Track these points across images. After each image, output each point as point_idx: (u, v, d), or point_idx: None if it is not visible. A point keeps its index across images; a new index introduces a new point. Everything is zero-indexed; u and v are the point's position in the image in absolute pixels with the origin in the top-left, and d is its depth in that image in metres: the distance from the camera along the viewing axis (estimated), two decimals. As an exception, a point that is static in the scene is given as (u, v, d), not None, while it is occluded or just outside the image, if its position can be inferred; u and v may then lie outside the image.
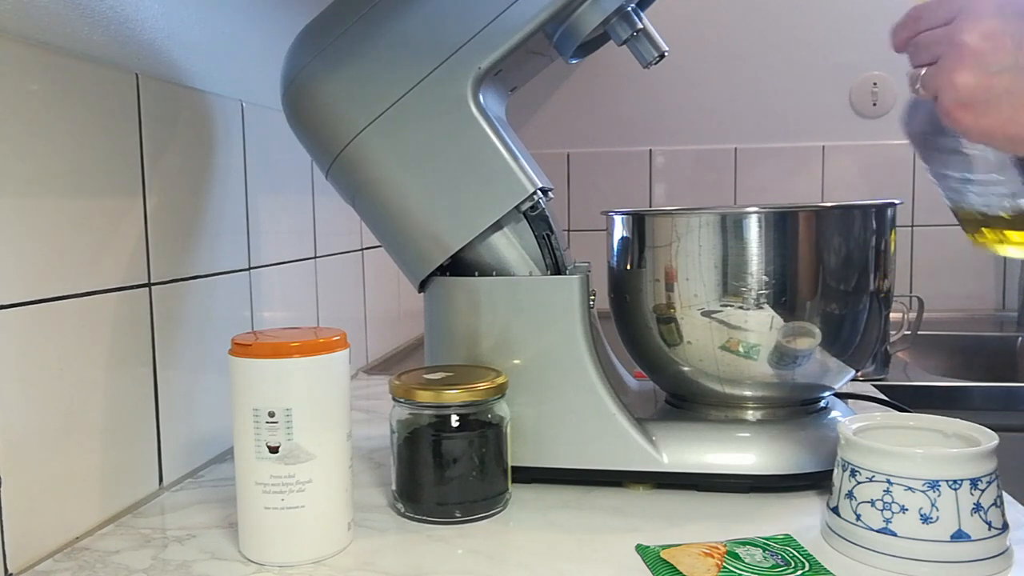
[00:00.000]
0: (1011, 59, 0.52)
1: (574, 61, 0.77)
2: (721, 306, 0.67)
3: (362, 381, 1.18)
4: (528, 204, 0.68)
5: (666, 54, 0.72)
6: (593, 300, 0.71)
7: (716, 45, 1.87)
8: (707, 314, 0.68)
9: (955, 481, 0.52)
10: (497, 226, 0.69)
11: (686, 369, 0.71)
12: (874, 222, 0.69)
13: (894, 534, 0.53)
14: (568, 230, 1.94)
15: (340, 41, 0.69)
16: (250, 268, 0.89)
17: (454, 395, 0.63)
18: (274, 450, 0.55)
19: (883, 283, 0.70)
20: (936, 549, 0.52)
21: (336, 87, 0.69)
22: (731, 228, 0.67)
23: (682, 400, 0.76)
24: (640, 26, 0.71)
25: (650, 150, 1.92)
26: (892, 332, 0.88)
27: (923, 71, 0.56)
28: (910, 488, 0.53)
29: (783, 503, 0.66)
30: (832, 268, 0.67)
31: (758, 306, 0.66)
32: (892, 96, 1.82)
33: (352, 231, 1.23)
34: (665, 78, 1.88)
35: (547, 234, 0.70)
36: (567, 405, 0.69)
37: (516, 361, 0.69)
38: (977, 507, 0.52)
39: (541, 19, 0.66)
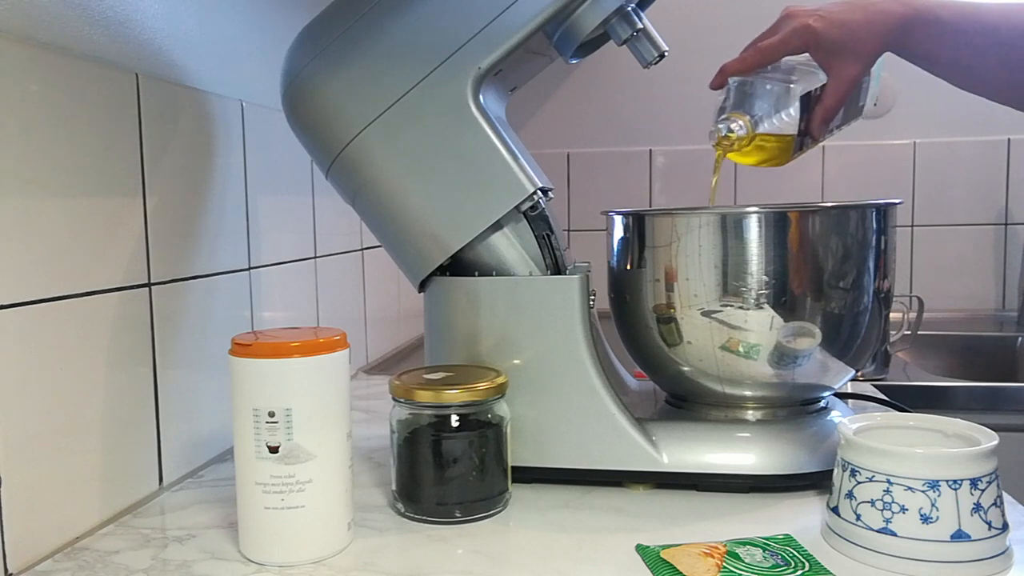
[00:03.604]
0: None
1: (574, 61, 0.77)
2: (721, 306, 0.67)
3: (362, 381, 1.18)
4: (528, 204, 0.68)
5: (666, 54, 0.72)
6: (593, 300, 0.71)
7: (716, 45, 1.87)
8: (707, 314, 0.68)
9: (955, 481, 0.52)
10: (497, 226, 0.69)
11: (686, 369, 0.71)
12: (874, 222, 0.69)
13: (894, 534, 0.53)
14: (568, 230, 1.94)
15: (340, 41, 0.69)
16: (250, 268, 0.89)
17: (454, 395, 0.63)
18: (274, 450, 0.55)
19: (883, 283, 0.70)
20: (936, 549, 0.52)
21: (336, 87, 0.69)
22: (731, 228, 0.67)
23: (682, 400, 0.76)
24: (640, 26, 0.71)
25: (650, 150, 1.92)
26: (892, 332, 0.88)
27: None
28: (910, 488, 0.53)
29: (783, 503, 0.66)
30: (832, 268, 0.67)
31: (758, 306, 0.66)
32: (892, 96, 1.82)
33: (352, 231, 1.23)
34: (665, 78, 1.88)
35: (547, 234, 0.70)
36: (567, 405, 0.69)
37: (516, 361, 0.69)
38: (977, 507, 0.52)
39: (541, 19, 0.66)
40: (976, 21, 0.74)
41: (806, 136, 0.76)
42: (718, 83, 0.77)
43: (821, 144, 0.79)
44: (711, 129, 0.75)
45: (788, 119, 0.74)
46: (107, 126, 0.66)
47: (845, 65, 0.73)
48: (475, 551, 0.59)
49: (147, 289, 0.71)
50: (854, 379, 1.09)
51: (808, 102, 0.74)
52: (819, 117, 0.75)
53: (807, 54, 0.75)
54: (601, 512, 0.65)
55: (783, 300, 0.66)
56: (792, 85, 0.73)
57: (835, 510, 0.57)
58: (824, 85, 0.75)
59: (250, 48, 0.92)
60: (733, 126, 0.73)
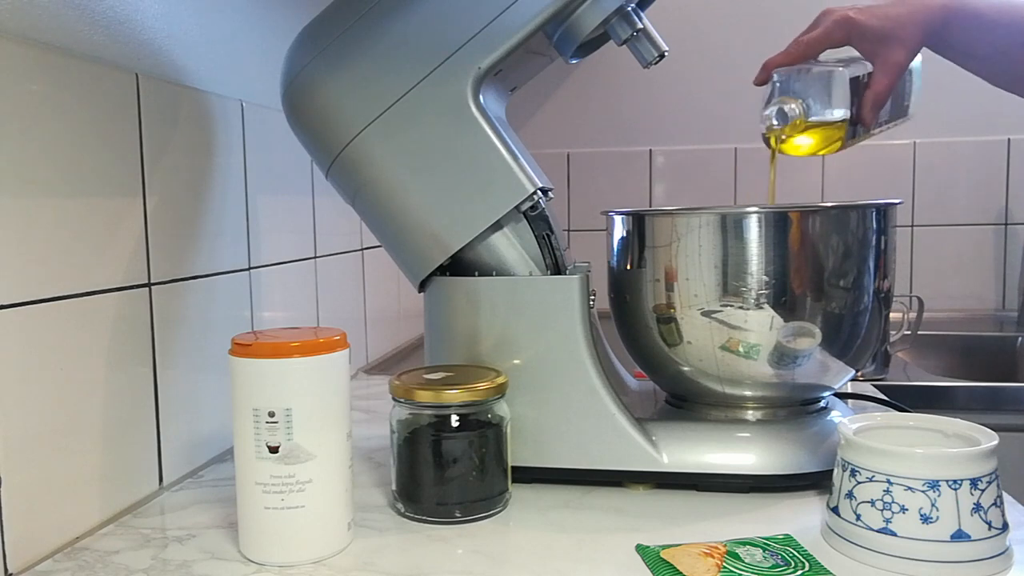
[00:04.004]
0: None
1: (574, 61, 0.77)
2: (721, 306, 0.67)
3: (362, 381, 1.18)
4: (528, 204, 0.68)
5: (666, 54, 0.72)
6: (593, 300, 0.71)
7: (716, 45, 1.87)
8: (707, 314, 0.68)
9: (955, 481, 0.52)
10: (497, 226, 0.69)
11: (686, 369, 0.71)
12: (874, 222, 0.69)
13: (894, 534, 0.53)
14: (568, 230, 1.94)
15: (340, 41, 0.69)
16: (250, 268, 0.89)
17: (454, 395, 0.63)
18: (274, 450, 0.55)
19: (883, 283, 0.70)
20: (936, 549, 0.52)
21: (336, 87, 0.69)
22: (731, 228, 0.67)
23: (682, 400, 0.76)
24: (640, 26, 0.71)
25: (650, 150, 1.92)
26: (892, 332, 0.88)
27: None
28: (910, 488, 0.53)
29: (783, 503, 0.66)
30: (832, 268, 0.67)
31: (758, 306, 0.66)
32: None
33: (352, 231, 1.23)
34: (665, 78, 1.88)
35: (547, 234, 0.70)
36: (567, 405, 0.69)
37: (516, 361, 0.69)
38: (977, 507, 0.52)
39: (541, 19, 0.66)
40: (1012, 15, 0.76)
41: (857, 125, 0.76)
42: (762, 79, 0.77)
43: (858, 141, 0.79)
44: (762, 117, 0.74)
45: (839, 101, 0.73)
46: (107, 126, 0.66)
47: (890, 51, 0.74)
48: (475, 551, 0.59)
49: (147, 289, 0.71)
50: (854, 379, 1.09)
51: (857, 90, 0.74)
52: (869, 102, 0.75)
53: (849, 48, 0.76)
54: (601, 512, 0.65)
55: (783, 300, 0.66)
56: (840, 68, 0.73)
57: (835, 510, 0.57)
58: (871, 74, 0.75)
59: (250, 48, 0.92)
60: (786, 108, 0.72)
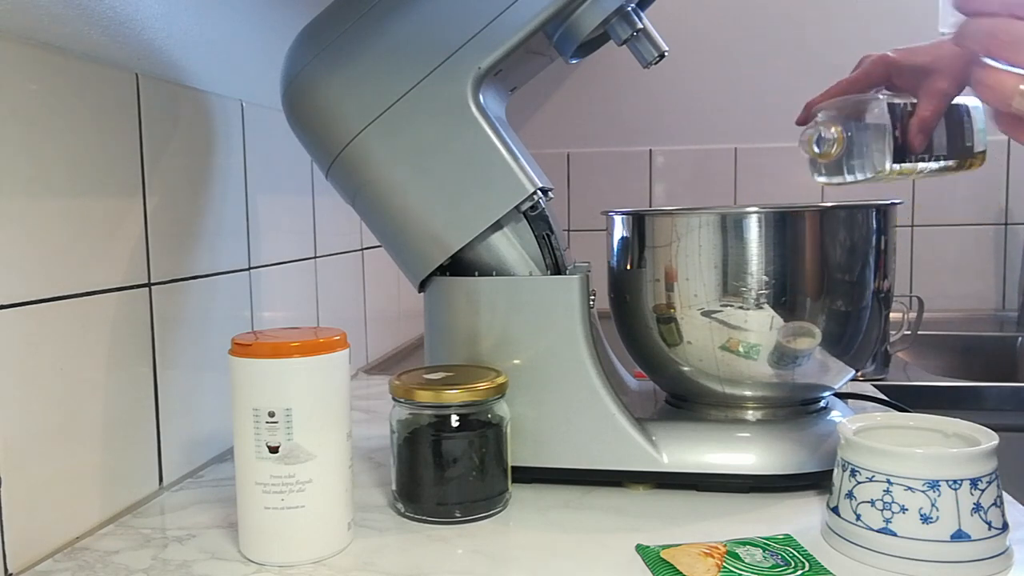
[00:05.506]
0: None
1: (574, 61, 0.77)
2: (721, 306, 0.67)
3: (362, 381, 1.18)
4: (528, 204, 0.68)
5: (666, 54, 0.72)
6: (593, 300, 0.71)
7: (716, 45, 1.87)
8: (707, 314, 0.68)
9: (955, 481, 0.52)
10: (497, 226, 0.69)
11: (686, 369, 0.71)
12: (874, 222, 0.69)
13: (894, 534, 0.53)
14: (568, 230, 1.94)
15: (340, 41, 0.69)
16: (250, 268, 0.89)
17: (454, 395, 0.63)
18: (274, 450, 0.55)
19: (883, 283, 0.70)
20: (936, 549, 0.52)
21: (336, 87, 0.69)
22: (731, 228, 0.67)
23: (682, 400, 0.76)
24: (640, 26, 0.71)
25: (650, 150, 1.92)
26: (892, 332, 0.88)
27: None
28: (910, 488, 0.53)
29: (783, 503, 0.66)
30: (832, 268, 0.67)
31: (758, 306, 0.66)
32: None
33: (352, 231, 1.23)
34: (665, 78, 1.88)
35: (547, 234, 0.70)
36: (567, 405, 0.69)
37: (516, 361, 0.69)
38: (977, 507, 0.52)
39: (541, 19, 0.66)
40: None
41: (907, 152, 0.74)
42: (804, 118, 0.78)
43: (917, 173, 0.77)
44: (801, 143, 0.75)
45: (877, 118, 0.73)
46: (107, 126, 0.66)
47: (932, 81, 0.71)
48: (475, 551, 0.59)
49: (147, 289, 0.71)
50: (854, 379, 1.09)
51: (904, 119, 0.73)
52: (915, 127, 0.72)
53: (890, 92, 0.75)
54: (601, 512, 0.65)
55: (783, 300, 0.66)
56: (879, 95, 0.73)
57: (835, 510, 0.57)
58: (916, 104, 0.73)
59: (250, 48, 0.92)
60: (823, 132, 0.72)
